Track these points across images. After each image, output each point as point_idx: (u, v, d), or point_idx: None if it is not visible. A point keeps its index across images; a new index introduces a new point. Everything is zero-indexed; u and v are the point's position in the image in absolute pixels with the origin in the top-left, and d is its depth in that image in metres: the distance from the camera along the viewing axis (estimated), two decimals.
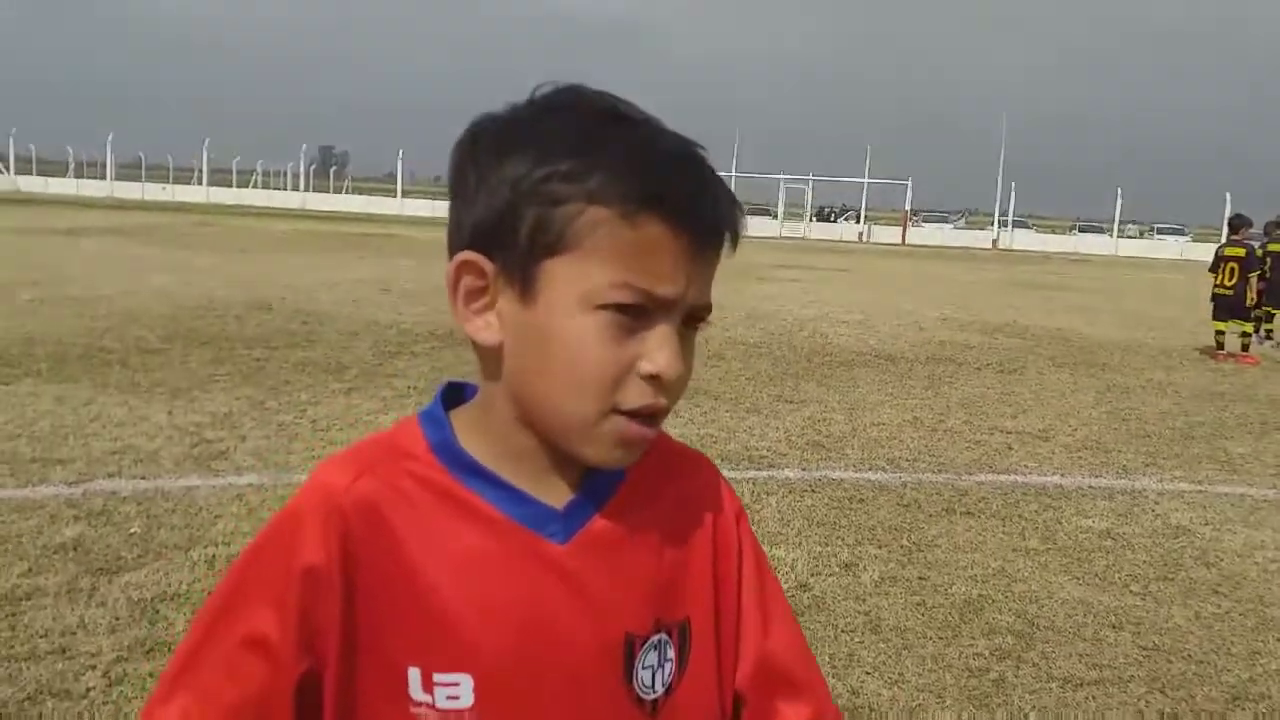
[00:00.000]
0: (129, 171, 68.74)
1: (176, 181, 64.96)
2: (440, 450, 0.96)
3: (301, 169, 66.43)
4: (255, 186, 67.66)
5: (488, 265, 0.91)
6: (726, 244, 0.93)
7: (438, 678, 0.92)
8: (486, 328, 0.92)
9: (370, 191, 77.10)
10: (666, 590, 1.00)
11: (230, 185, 65.09)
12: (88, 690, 3.31)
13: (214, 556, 4.45)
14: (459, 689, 0.92)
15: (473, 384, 1.01)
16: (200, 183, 61.86)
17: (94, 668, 3.45)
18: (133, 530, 4.72)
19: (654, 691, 0.98)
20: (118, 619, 3.82)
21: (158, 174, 73.17)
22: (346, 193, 73.98)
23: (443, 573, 0.93)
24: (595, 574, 0.96)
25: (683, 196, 0.88)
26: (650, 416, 0.92)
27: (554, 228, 0.87)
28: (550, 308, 0.89)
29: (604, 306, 0.88)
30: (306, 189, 64.51)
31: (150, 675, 3.41)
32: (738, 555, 1.06)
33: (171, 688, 0.95)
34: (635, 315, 0.88)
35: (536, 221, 0.88)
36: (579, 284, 0.88)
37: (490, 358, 0.94)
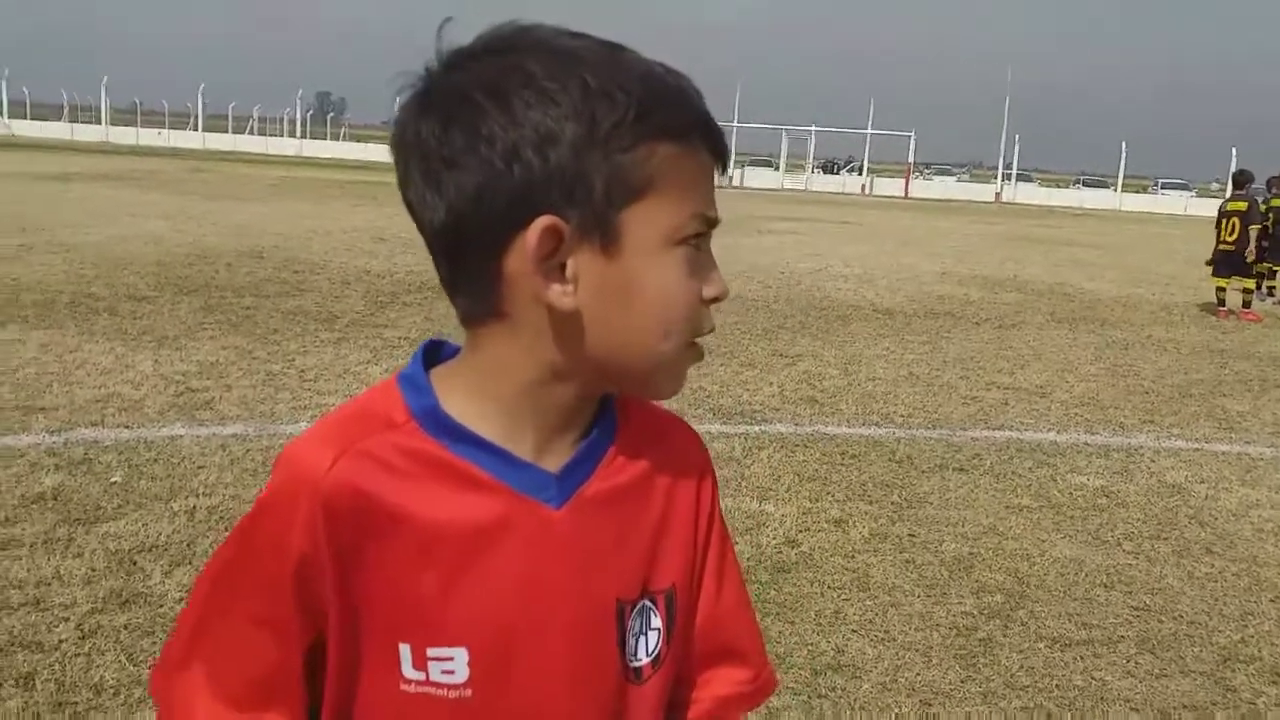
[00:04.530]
0: (124, 117, 68.18)
1: (172, 127, 64.26)
2: (424, 417, 0.91)
3: (298, 115, 65.84)
4: (251, 133, 67.06)
5: (564, 225, 0.84)
6: None
7: (431, 652, 0.89)
8: (565, 293, 0.86)
9: (367, 139, 76.37)
10: (654, 555, 0.98)
11: (226, 131, 64.48)
12: (59, 642, 3.25)
13: (195, 507, 4.38)
14: (453, 663, 0.90)
15: (453, 343, 0.97)
16: (196, 128, 61.29)
17: (67, 619, 3.40)
18: (114, 480, 4.65)
19: (639, 659, 0.97)
20: (94, 570, 3.76)
21: (154, 119, 72.49)
22: (343, 139, 73.36)
23: (438, 545, 0.89)
24: (589, 539, 0.93)
25: (712, 122, 0.91)
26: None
27: (632, 173, 0.85)
28: (635, 254, 0.87)
29: (682, 240, 0.88)
30: (303, 135, 63.93)
31: (125, 627, 3.37)
32: (710, 524, 1.04)
33: (186, 655, 0.93)
34: (698, 245, 0.90)
35: (613, 170, 0.84)
36: (660, 224, 0.87)
37: (558, 322, 0.87)
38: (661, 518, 0.99)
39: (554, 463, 0.93)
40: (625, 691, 0.96)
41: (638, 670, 0.97)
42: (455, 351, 0.96)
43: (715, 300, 0.92)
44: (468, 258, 0.87)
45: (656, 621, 0.98)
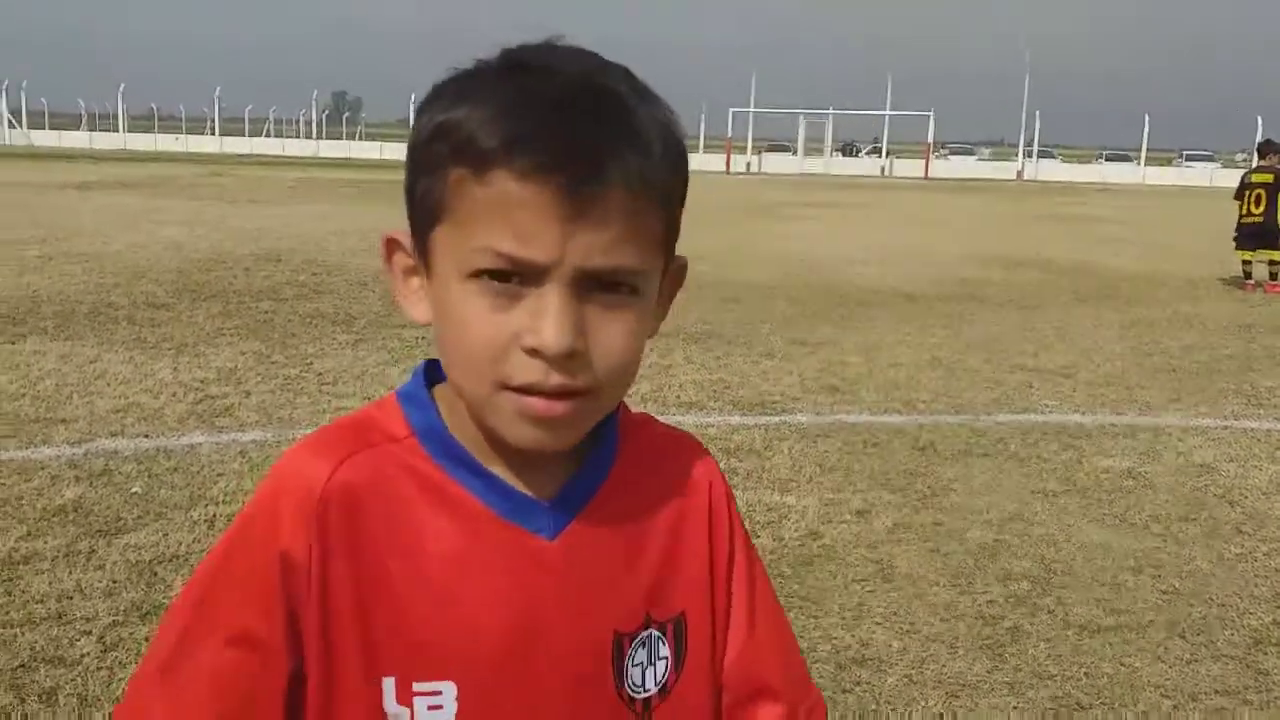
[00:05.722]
0: (142, 123, 68.67)
1: (189, 132, 64.76)
2: (426, 436, 0.89)
3: (314, 116, 66.18)
4: (268, 135, 67.38)
5: (407, 241, 0.88)
6: (635, 195, 0.80)
7: (418, 686, 0.86)
8: (418, 304, 0.89)
9: (384, 137, 76.60)
10: (659, 584, 0.94)
11: (243, 134, 64.81)
12: (82, 656, 3.26)
13: (214, 516, 4.39)
14: (441, 698, 0.86)
15: None
16: (213, 132, 61.66)
17: (89, 633, 3.40)
18: (134, 490, 4.67)
19: (644, 690, 0.93)
20: (115, 582, 3.77)
21: (171, 125, 73.06)
22: (359, 139, 73.57)
23: (426, 573, 0.87)
24: (584, 571, 0.90)
25: (536, 145, 0.77)
26: (562, 393, 0.81)
27: (432, 195, 0.83)
28: (441, 279, 0.84)
29: (475, 274, 0.81)
30: (319, 136, 64.21)
31: (147, 639, 3.36)
32: (730, 544, 0.99)
33: (151, 693, 0.88)
34: (518, 282, 0.80)
35: (423, 190, 0.84)
36: (452, 252, 0.83)
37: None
38: (668, 544, 0.95)
39: (546, 491, 0.90)
40: None
41: (645, 702, 0.93)
42: None
43: (534, 351, 0.80)
44: None
45: (665, 650, 0.94)
